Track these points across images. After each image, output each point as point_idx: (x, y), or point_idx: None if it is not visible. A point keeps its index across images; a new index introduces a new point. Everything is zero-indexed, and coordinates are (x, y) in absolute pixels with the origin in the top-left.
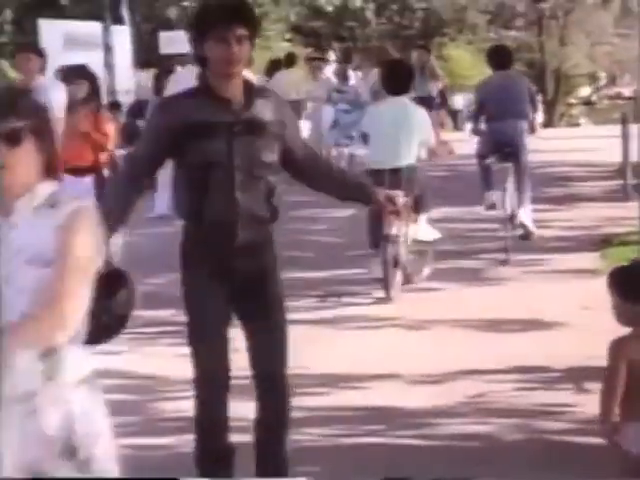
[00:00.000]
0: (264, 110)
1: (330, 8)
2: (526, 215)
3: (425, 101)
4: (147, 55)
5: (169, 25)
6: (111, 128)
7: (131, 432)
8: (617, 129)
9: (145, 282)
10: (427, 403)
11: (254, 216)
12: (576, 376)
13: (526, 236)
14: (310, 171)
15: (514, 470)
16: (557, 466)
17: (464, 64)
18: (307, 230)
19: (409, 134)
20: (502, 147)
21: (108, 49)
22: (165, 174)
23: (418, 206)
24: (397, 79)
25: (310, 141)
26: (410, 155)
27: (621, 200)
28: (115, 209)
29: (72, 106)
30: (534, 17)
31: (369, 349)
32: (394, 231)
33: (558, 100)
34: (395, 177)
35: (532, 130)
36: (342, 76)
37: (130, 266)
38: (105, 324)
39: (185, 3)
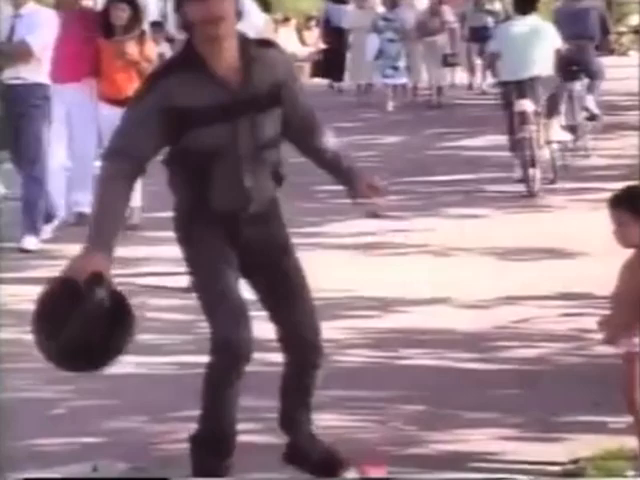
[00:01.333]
0: (262, 76)
1: None
2: (591, 102)
3: (479, 32)
4: None
5: None
6: (155, 55)
7: (187, 350)
8: None
9: None
10: (476, 327)
11: (264, 198)
12: None
13: (592, 118)
14: (303, 142)
15: (568, 392)
16: (610, 388)
17: None
18: (356, 157)
19: (537, 49)
20: (573, 67)
21: None
22: None
23: (549, 110)
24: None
25: (352, 72)
26: (537, 68)
27: None
28: (109, 223)
29: (113, 32)
30: None
31: (409, 274)
32: (527, 135)
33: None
34: (522, 88)
35: (608, 50)
36: (391, 4)
37: None
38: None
39: None
